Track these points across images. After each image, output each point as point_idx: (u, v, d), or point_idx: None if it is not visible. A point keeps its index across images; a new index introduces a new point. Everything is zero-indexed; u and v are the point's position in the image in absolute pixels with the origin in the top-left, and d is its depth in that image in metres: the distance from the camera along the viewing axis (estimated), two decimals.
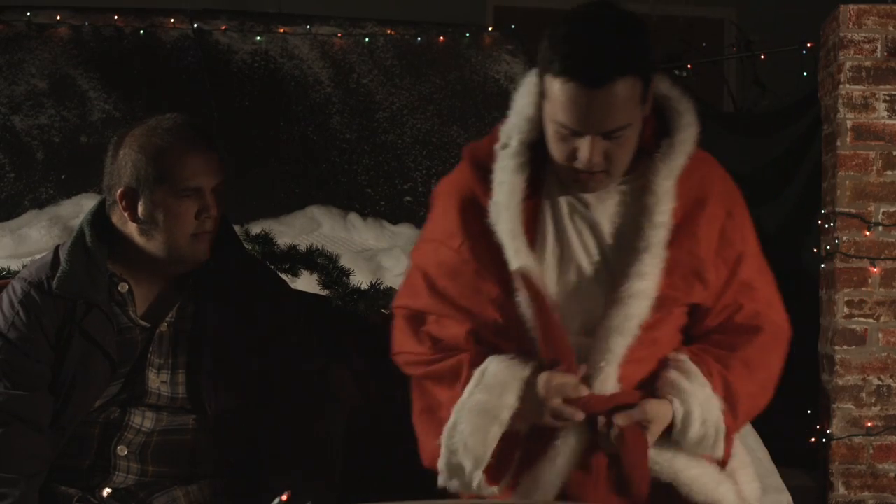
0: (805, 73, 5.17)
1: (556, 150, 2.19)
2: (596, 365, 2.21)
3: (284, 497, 2.12)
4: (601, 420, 2.19)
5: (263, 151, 5.17)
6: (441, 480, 2.26)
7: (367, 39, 5.36)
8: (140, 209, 2.38)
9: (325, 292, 3.32)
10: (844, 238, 4.50)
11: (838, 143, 4.52)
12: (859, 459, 4.47)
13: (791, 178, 5.09)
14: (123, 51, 5.22)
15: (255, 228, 3.72)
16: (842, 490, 4.47)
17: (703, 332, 2.32)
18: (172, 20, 5.27)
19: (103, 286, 2.41)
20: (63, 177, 5.01)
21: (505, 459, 2.25)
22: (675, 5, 7.35)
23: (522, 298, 2.21)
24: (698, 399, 2.22)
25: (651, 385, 2.25)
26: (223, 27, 5.29)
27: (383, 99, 5.31)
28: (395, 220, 4.84)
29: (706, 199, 2.28)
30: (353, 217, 4.93)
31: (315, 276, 3.40)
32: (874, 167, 4.51)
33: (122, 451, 2.42)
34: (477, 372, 2.24)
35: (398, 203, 4.96)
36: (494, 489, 2.25)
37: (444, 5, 6.70)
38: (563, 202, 2.27)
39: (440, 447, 2.25)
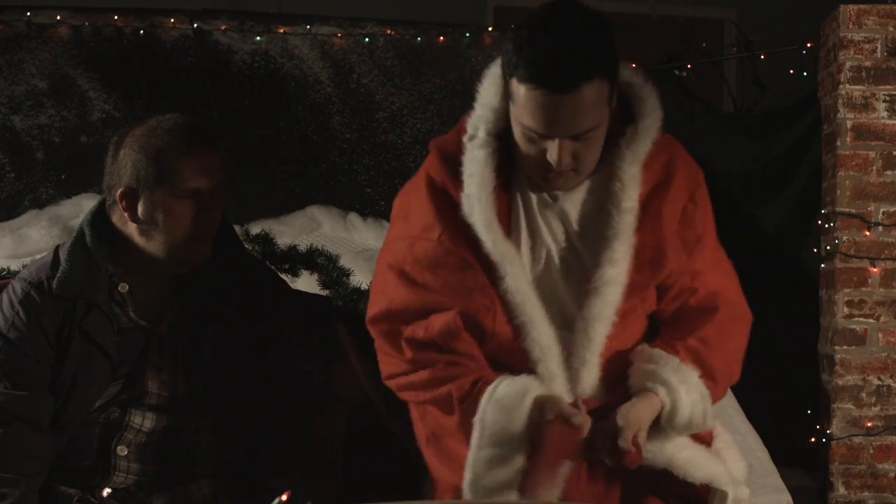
0: (805, 73, 5.17)
1: (524, 150, 2.19)
2: (582, 357, 2.22)
3: (284, 497, 2.11)
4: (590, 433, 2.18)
5: (263, 151, 5.17)
6: None
7: (367, 39, 5.36)
8: (140, 209, 2.38)
9: (325, 292, 3.32)
10: (844, 238, 4.50)
11: (838, 143, 4.52)
12: (859, 459, 4.47)
13: (791, 178, 5.09)
14: (123, 51, 5.22)
15: (255, 228, 3.72)
16: (842, 490, 4.47)
17: (662, 318, 2.34)
18: (172, 20, 5.27)
19: (103, 286, 2.41)
20: (63, 177, 5.02)
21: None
22: (675, 5, 7.35)
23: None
24: (678, 380, 2.22)
25: (625, 377, 2.26)
26: (223, 27, 5.29)
27: (383, 99, 5.32)
28: None
29: (670, 182, 2.28)
30: (353, 217, 4.94)
31: (315, 276, 3.40)
32: (874, 167, 4.51)
33: (122, 451, 2.42)
34: (477, 422, 2.20)
35: None
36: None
37: (444, 5, 6.70)
38: (533, 193, 2.27)
39: (460, 487, 2.23)
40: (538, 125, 2.13)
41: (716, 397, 2.30)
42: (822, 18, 4.76)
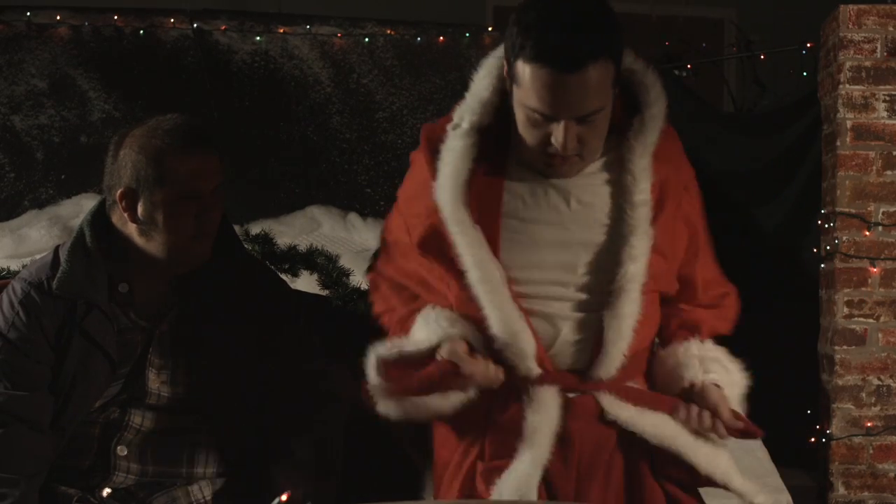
0: (805, 73, 5.17)
1: (528, 135, 2.18)
2: (609, 351, 2.23)
3: (284, 497, 2.11)
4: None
5: (263, 151, 5.17)
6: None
7: (367, 39, 5.36)
8: (140, 210, 2.38)
9: (325, 292, 3.33)
10: (844, 238, 4.50)
11: (838, 143, 4.52)
12: (859, 459, 4.47)
13: (791, 178, 5.09)
14: (123, 51, 5.23)
15: (255, 228, 3.72)
16: (842, 490, 4.47)
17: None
18: (172, 20, 5.28)
19: (103, 286, 2.41)
20: (63, 177, 5.02)
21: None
22: (675, 5, 7.35)
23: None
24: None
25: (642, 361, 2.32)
26: (223, 27, 5.30)
27: (383, 99, 5.32)
28: None
29: (673, 173, 2.30)
30: (353, 217, 4.94)
31: (315, 276, 3.40)
32: (874, 167, 4.51)
33: (122, 451, 2.42)
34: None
35: None
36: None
37: (444, 5, 6.70)
38: (528, 181, 2.26)
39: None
40: (544, 106, 2.12)
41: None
42: (822, 18, 4.76)
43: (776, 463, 3.42)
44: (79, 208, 4.70)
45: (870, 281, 4.49)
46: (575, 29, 2.09)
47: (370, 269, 2.53)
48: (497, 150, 2.27)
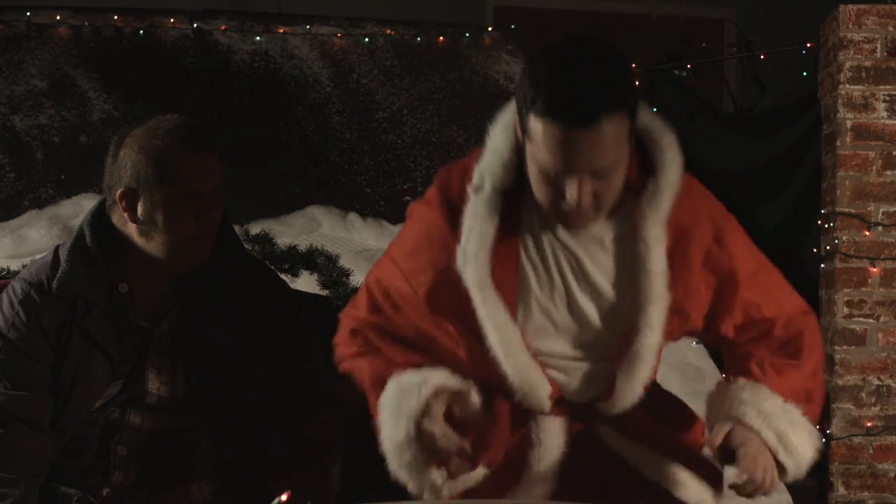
0: (805, 73, 5.17)
1: (540, 191, 2.09)
2: (618, 400, 2.21)
3: (284, 497, 2.11)
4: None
5: (263, 151, 5.17)
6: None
7: (367, 39, 5.37)
8: (140, 210, 2.37)
9: (325, 292, 3.33)
10: (844, 238, 4.50)
11: (838, 143, 4.53)
12: (859, 459, 4.47)
13: (791, 178, 5.09)
14: (123, 51, 5.23)
15: (255, 228, 3.73)
16: (842, 490, 4.47)
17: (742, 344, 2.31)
18: (172, 20, 5.28)
19: (103, 286, 2.41)
20: (63, 177, 5.02)
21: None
22: (675, 5, 7.35)
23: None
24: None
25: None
26: (223, 27, 5.30)
27: (383, 99, 5.32)
28: (394, 220, 4.85)
29: (694, 228, 2.20)
30: (353, 217, 4.94)
31: (315, 276, 3.41)
32: (874, 167, 4.52)
33: (121, 451, 2.42)
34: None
35: (398, 203, 4.97)
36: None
37: (444, 5, 6.70)
38: (543, 245, 2.19)
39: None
40: (556, 162, 2.02)
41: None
42: (822, 18, 4.76)
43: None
44: (79, 208, 4.70)
45: (870, 281, 4.49)
46: (587, 81, 1.98)
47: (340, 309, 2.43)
48: (515, 206, 2.19)
